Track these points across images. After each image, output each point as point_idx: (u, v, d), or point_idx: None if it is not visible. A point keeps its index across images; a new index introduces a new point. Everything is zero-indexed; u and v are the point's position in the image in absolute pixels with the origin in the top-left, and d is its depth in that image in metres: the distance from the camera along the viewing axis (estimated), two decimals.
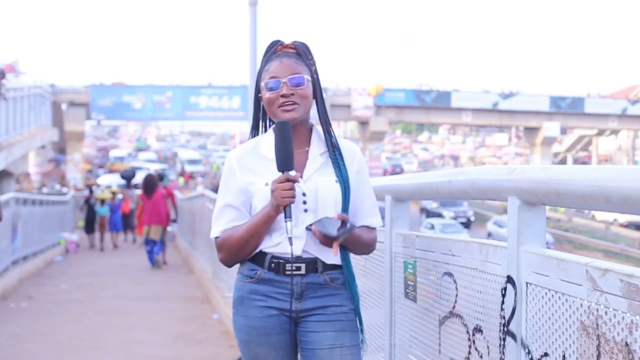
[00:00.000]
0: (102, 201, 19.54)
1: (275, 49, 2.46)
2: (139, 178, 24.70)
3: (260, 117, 2.55)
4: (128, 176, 22.50)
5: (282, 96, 2.38)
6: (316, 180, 2.39)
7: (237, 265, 2.51)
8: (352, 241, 2.41)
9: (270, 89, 2.39)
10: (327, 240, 2.28)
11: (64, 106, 39.16)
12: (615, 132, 57.84)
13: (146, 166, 47.22)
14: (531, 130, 48.01)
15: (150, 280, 12.21)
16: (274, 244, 2.39)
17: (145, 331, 7.73)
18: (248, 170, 2.43)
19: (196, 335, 7.56)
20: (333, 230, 2.26)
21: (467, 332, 2.31)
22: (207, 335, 7.56)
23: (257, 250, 2.40)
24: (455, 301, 2.41)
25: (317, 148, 2.46)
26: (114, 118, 45.66)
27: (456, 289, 2.40)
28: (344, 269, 2.43)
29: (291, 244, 2.31)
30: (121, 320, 8.44)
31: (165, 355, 6.71)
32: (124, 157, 61.57)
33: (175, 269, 13.95)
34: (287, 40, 2.50)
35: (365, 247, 2.50)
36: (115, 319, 8.53)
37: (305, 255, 2.38)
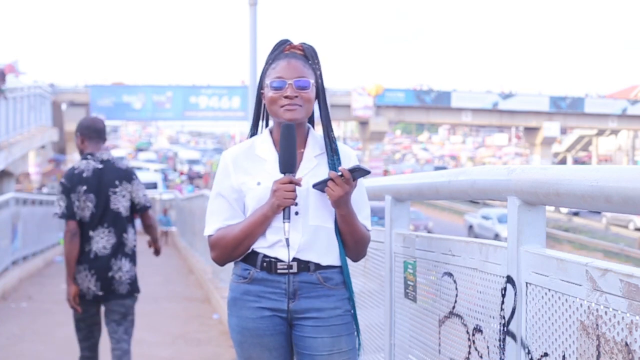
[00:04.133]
0: None
1: (283, 48, 2.45)
2: None
3: (260, 113, 2.53)
4: None
5: (286, 97, 2.37)
6: (308, 181, 2.38)
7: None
8: (348, 223, 2.38)
9: (275, 89, 2.38)
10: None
11: (64, 106, 39.17)
12: (615, 132, 57.87)
13: (146, 166, 47.22)
14: (531, 130, 48.03)
15: (150, 280, 12.19)
16: (266, 245, 2.38)
17: (145, 331, 7.72)
18: (242, 170, 2.43)
19: (196, 335, 7.57)
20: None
21: (467, 332, 2.30)
22: (207, 335, 7.56)
23: (250, 250, 2.41)
24: (455, 301, 2.40)
25: (312, 150, 2.46)
26: (114, 118, 45.63)
27: (456, 289, 2.40)
28: (343, 269, 2.43)
29: (288, 245, 2.32)
30: None
31: (165, 355, 6.71)
32: (123, 157, 61.45)
33: (175, 269, 13.94)
34: (296, 42, 2.49)
35: (360, 239, 2.44)
36: None
37: (299, 256, 2.38)
